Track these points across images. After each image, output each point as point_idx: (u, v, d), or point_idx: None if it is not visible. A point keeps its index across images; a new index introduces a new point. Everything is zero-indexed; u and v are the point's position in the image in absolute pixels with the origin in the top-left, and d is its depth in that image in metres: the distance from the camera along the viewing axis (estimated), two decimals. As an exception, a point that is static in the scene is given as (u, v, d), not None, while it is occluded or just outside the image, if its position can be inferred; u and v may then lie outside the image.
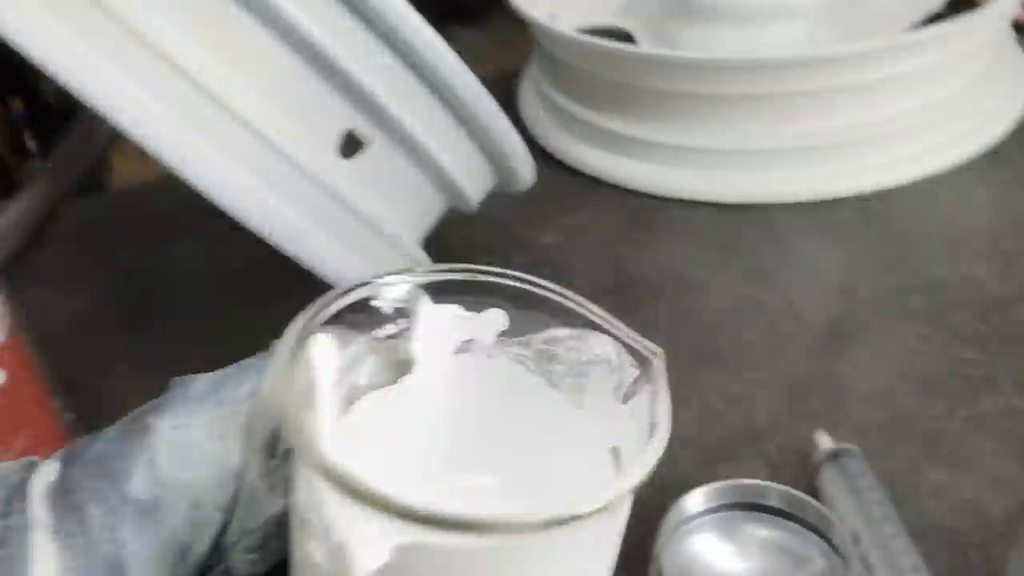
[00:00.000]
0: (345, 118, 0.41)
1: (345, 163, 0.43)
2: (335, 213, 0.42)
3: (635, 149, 0.69)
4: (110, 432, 0.36)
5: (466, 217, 0.58)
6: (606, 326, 0.34)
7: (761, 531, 0.43)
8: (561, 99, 0.74)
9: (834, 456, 0.44)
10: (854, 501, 0.42)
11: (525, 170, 0.49)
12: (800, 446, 0.47)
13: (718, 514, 0.43)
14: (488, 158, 0.48)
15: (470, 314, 0.35)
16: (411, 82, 0.42)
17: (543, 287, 0.35)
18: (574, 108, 0.73)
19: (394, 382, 0.36)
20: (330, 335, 0.32)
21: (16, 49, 0.37)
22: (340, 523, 0.28)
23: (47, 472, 0.35)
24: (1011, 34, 0.74)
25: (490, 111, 0.44)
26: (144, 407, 0.37)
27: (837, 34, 0.72)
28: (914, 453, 0.47)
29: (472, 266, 0.34)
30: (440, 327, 0.35)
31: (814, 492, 0.44)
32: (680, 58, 0.67)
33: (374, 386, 0.35)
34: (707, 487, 0.42)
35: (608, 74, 0.69)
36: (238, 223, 0.42)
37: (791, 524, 0.43)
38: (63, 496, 0.34)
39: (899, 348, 0.54)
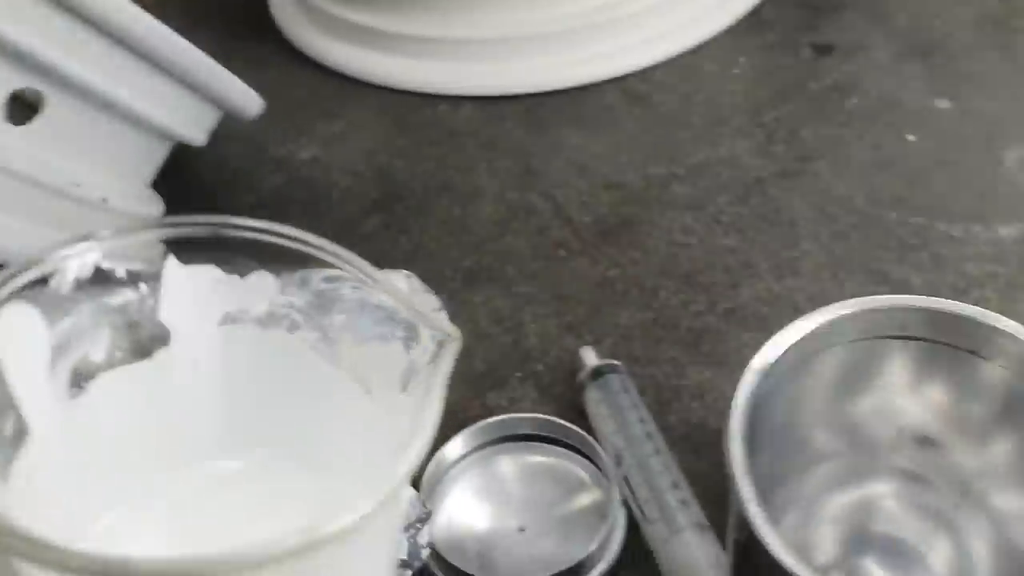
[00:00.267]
0: (4, 81, 0.35)
1: (17, 130, 0.37)
2: (11, 188, 0.36)
3: (391, 44, 0.65)
4: None
5: (214, 138, 0.53)
6: (389, 297, 0.30)
7: (528, 460, 0.43)
8: (308, -7, 0.68)
9: (597, 374, 0.44)
10: (615, 420, 0.42)
11: (246, 102, 0.45)
12: (569, 362, 0.47)
13: (481, 452, 0.42)
14: (200, 97, 0.43)
15: (232, 278, 0.31)
16: (80, 33, 0.36)
17: (315, 246, 0.30)
18: (325, 3, 0.67)
19: (146, 356, 0.32)
20: (30, 306, 0.28)
21: None
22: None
23: None
24: None
25: (183, 51, 0.39)
26: None
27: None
28: (677, 354, 0.48)
29: (204, 218, 0.30)
30: (196, 293, 0.31)
31: (583, 411, 0.44)
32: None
33: (116, 362, 0.32)
34: (464, 432, 0.41)
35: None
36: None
37: (558, 449, 0.43)
38: None
39: (663, 243, 0.53)
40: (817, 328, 0.27)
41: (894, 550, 0.29)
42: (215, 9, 0.76)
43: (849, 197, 0.55)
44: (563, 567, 0.37)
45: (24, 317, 0.28)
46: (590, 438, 0.42)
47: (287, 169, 0.61)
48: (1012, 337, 0.26)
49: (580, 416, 0.44)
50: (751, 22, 0.68)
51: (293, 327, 0.33)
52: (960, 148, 0.58)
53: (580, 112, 0.62)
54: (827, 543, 0.29)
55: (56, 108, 0.37)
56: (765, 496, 0.27)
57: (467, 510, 0.41)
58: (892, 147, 0.58)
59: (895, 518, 0.29)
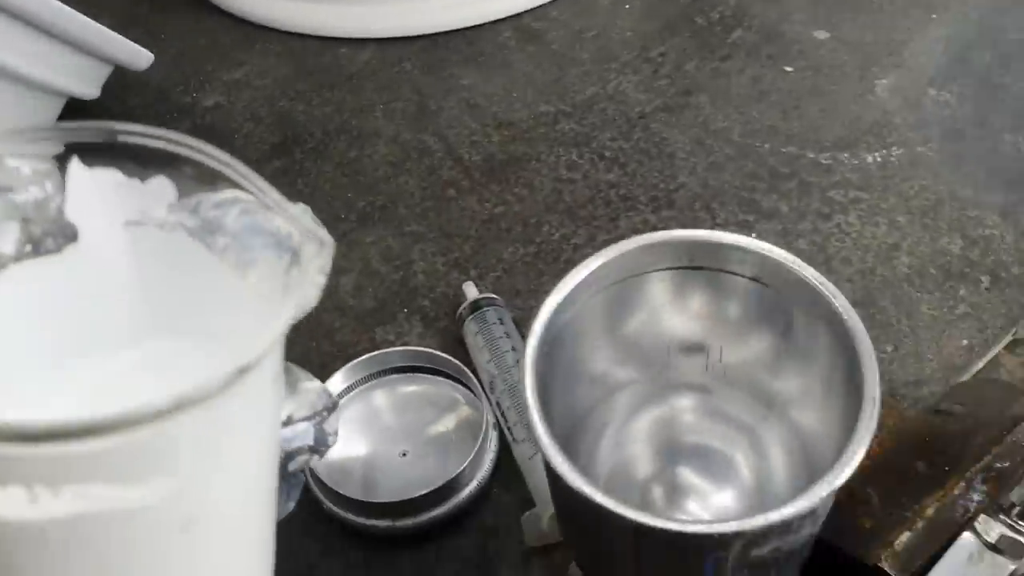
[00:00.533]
0: None
1: None
2: None
3: (290, -11, 0.66)
4: None
5: (117, 88, 0.54)
6: (278, 207, 0.32)
7: (407, 390, 0.46)
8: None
9: (475, 307, 0.47)
10: (490, 350, 0.45)
11: (132, 57, 0.46)
12: (454, 297, 0.50)
13: (363, 386, 0.45)
14: (84, 54, 0.44)
15: (133, 181, 0.33)
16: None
17: (209, 155, 0.32)
18: (222, -54, 0.68)
19: (53, 253, 0.34)
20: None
21: None
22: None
23: None
24: None
25: (59, 12, 0.40)
26: None
27: None
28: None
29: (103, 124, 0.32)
30: (101, 194, 0.33)
31: (464, 342, 0.47)
32: None
33: (24, 256, 0.34)
34: (344, 368, 0.44)
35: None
36: None
37: (437, 379, 0.46)
38: None
39: (548, 179, 0.56)
40: (597, 268, 0.30)
41: (704, 457, 0.33)
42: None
43: (727, 129, 0.58)
44: (438, 485, 0.41)
45: None
46: (465, 367, 0.45)
47: (191, 116, 0.62)
48: (752, 252, 0.29)
49: (461, 347, 0.47)
50: (646, -45, 0.69)
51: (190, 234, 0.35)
52: (835, 78, 0.61)
53: (476, 51, 0.64)
54: (644, 459, 0.33)
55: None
56: (577, 426, 0.30)
57: (352, 441, 0.44)
58: (771, 79, 0.61)
59: (699, 429, 0.33)
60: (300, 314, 0.27)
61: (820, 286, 0.28)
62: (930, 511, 0.31)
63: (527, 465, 0.41)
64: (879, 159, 0.56)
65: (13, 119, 0.45)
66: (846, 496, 0.33)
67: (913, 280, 0.49)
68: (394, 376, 0.46)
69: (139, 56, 0.47)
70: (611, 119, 0.59)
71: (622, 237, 0.52)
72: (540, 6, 0.66)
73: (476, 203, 0.55)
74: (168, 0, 0.71)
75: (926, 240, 0.51)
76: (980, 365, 0.47)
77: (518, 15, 0.65)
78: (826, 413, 0.28)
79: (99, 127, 0.31)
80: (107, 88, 0.55)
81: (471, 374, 0.44)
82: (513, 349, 0.45)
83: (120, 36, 0.46)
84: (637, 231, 0.53)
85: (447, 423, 0.45)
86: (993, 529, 0.28)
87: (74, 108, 0.53)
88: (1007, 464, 0.30)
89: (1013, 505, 0.28)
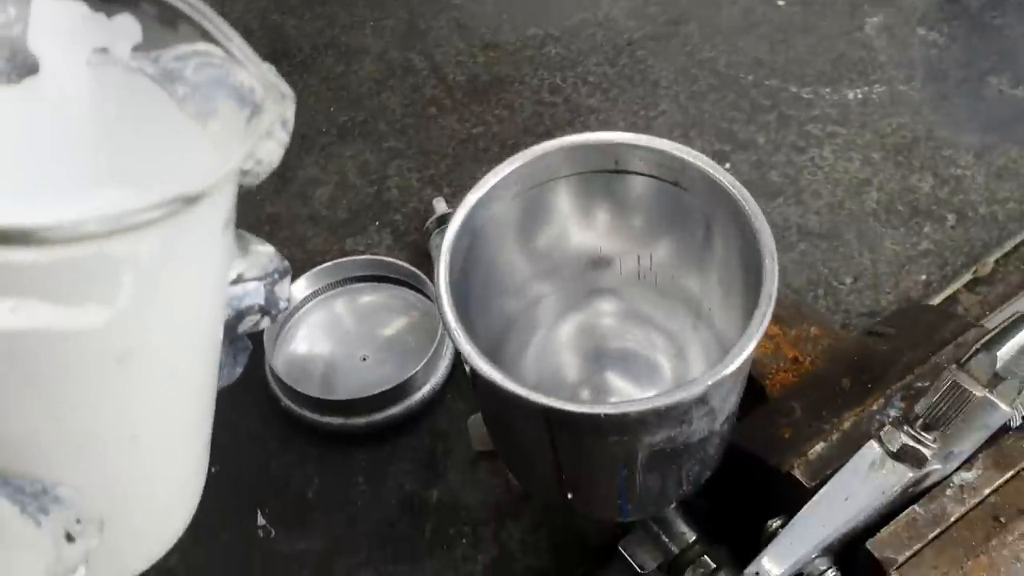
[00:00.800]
0: None
1: None
2: None
3: (287, -98, 0.66)
4: None
5: None
6: (241, 58, 0.32)
7: (369, 298, 0.47)
8: None
9: (441, 222, 0.48)
10: (453, 263, 0.46)
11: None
12: (425, 212, 0.50)
13: (327, 293, 0.47)
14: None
15: (99, 16, 0.33)
16: None
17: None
18: None
19: (13, 80, 0.34)
20: None
21: None
22: None
23: None
24: None
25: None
26: None
27: None
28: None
29: None
30: (65, 25, 0.33)
31: (429, 255, 0.48)
32: None
33: None
34: (308, 273, 0.46)
35: None
36: None
37: (399, 289, 0.47)
38: None
39: (529, 102, 0.56)
40: (518, 167, 0.31)
41: (630, 361, 0.33)
42: None
43: (713, 59, 0.58)
44: (392, 385, 0.42)
45: None
46: (428, 279, 0.46)
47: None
48: (648, 149, 0.30)
49: (428, 260, 0.48)
50: None
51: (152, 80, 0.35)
52: (825, 14, 0.60)
53: (469, -28, 0.64)
54: (571, 365, 0.34)
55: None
56: (502, 338, 0.31)
57: (314, 343, 0.45)
58: (762, 11, 0.61)
59: (620, 334, 0.34)
60: (264, 172, 0.27)
61: (732, 188, 0.29)
62: (847, 424, 0.31)
63: (480, 373, 0.43)
64: (860, 96, 0.56)
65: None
66: (771, 409, 0.34)
67: (880, 215, 0.50)
68: (358, 285, 0.47)
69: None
70: (598, 45, 0.59)
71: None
72: (537, -71, 0.65)
73: (456, 122, 0.56)
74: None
75: (897, 177, 0.51)
76: (936, 301, 0.48)
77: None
78: (745, 319, 0.28)
79: None
80: None
81: (429, 283, 0.45)
82: (475, 262, 0.46)
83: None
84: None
85: (406, 331, 0.46)
86: (896, 439, 0.29)
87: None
88: (928, 384, 0.30)
89: (917, 416, 0.29)
